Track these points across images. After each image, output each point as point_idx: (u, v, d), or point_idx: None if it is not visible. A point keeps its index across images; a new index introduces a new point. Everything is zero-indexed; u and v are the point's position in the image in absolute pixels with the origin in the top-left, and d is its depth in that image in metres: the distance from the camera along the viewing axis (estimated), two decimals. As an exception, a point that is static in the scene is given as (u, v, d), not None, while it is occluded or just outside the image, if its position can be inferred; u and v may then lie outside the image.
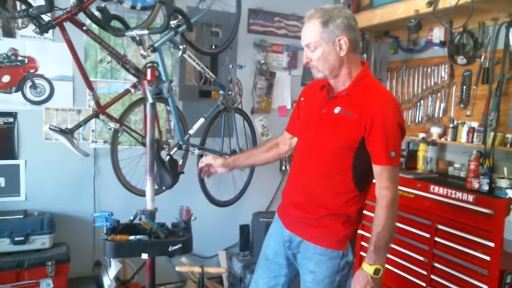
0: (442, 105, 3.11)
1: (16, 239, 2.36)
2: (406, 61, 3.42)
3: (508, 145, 2.55)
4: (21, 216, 2.47)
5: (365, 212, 2.95)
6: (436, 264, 2.51)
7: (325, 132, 1.57)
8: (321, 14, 1.50)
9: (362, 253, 3.07)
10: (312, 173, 1.61)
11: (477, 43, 2.68)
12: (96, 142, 2.82)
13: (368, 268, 1.51)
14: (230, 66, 2.89)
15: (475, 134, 2.72)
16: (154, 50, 2.22)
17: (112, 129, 2.47)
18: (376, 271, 1.50)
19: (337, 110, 1.55)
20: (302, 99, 1.77)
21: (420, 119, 3.32)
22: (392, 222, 1.52)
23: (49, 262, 2.36)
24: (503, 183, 2.28)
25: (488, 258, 2.22)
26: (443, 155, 3.13)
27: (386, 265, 2.82)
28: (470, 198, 2.33)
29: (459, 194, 2.39)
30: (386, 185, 1.51)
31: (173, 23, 2.25)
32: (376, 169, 1.52)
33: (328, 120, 1.57)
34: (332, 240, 1.59)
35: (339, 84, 1.59)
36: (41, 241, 2.43)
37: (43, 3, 1.90)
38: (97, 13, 2.21)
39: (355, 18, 1.57)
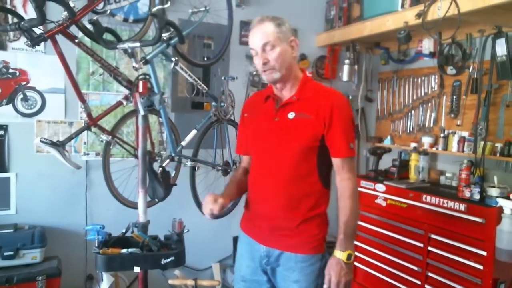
0: (433, 115, 3.15)
1: (6, 253, 2.32)
2: (396, 71, 3.47)
3: (498, 154, 2.58)
4: (11, 230, 2.43)
5: (359, 222, 3.00)
6: (429, 274, 2.51)
7: (283, 139, 1.60)
8: (273, 18, 1.59)
9: (355, 263, 3.07)
10: (280, 182, 1.62)
11: (465, 54, 2.73)
12: (88, 154, 2.80)
13: (340, 254, 1.56)
14: (222, 78, 2.90)
15: (466, 143, 2.76)
16: (146, 62, 2.22)
17: (104, 141, 2.46)
18: (348, 257, 1.56)
19: (291, 115, 1.60)
20: (245, 115, 1.80)
21: (411, 129, 3.35)
22: (356, 210, 1.61)
23: (40, 277, 2.32)
24: (493, 192, 2.31)
25: (481, 267, 2.23)
26: (435, 164, 3.16)
27: (379, 274, 2.85)
28: (462, 207, 2.35)
29: (451, 203, 2.41)
30: (348, 176, 1.59)
31: (165, 35, 2.26)
32: (337, 162, 1.59)
33: (284, 127, 1.61)
34: (311, 245, 1.61)
35: (286, 90, 1.65)
36: (31, 256, 2.40)
37: (35, 16, 1.90)
38: (89, 26, 2.21)
39: None
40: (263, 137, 1.66)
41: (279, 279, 1.66)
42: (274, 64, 1.57)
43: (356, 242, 3.01)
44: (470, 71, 2.76)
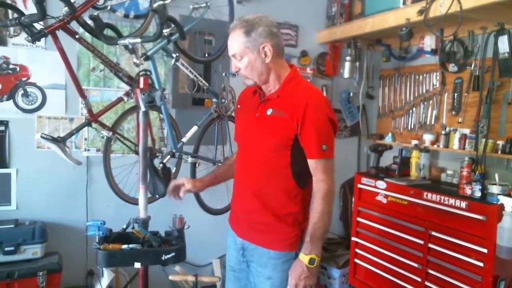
0: (434, 112, 3.14)
1: (6, 249, 2.32)
2: (398, 68, 3.46)
3: (499, 152, 2.57)
4: (12, 226, 2.44)
5: (360, 219, 3.01)
6: (430, 271, 2.51)
7: (261, 134, 1.62)
8: (244, 25, 1.56)
9: (356, 260, 3.07)
10: (255, 176, 1.64)
11: (467, 51, 2.71)
12: (88, 150, 2.80)
13: (304, 257, 1.54)
14: (223, 74, 2.89)
15: (467, 140, 2.75)
16: (147, 58, 2.21)
17: (105, 137, 2.46)
18: (311, 261, 1.53)
19: (269, 111, 1.61)
20: (238, 106, 1.83)
21: (412, 126, 3.35)
22: (327, 214, 1.56)
23: (41, 272, 2.32)
24: (494, 189, 2.30)
25: (481, 264, 2.23)
26: (436, 161, 3.16)
27: (380, 271, 2.85)
28: (463, 204, 2.35)
29: (452, 201, 2.41)
30: (322, 178, 1.56)
31: (166, 31, 2.25)
32: (311, 163, 1.57)
33: (262, 122, 1.62)
34: (284, 242, 1.62)
35: (270, 87, 1.66)
36: (32, 251, 2.40)
37: (35, 11, 1.89)
38: (90, 22, 2.20)
39: (276, 25, 1.64)
40: (246, 131, 1.70)
41: (253, 274, 1.69)
42: (244, 73, 1.60)
43: (356, 239, 3.04)
44: (472, 68, 2.75)
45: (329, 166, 1.57)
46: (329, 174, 1.57)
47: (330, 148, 1.56)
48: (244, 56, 1.57)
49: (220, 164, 1.94)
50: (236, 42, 1.57)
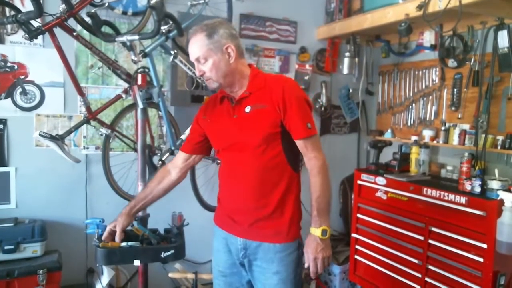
0: (434, 108, 3.13)
1: (6, 247, 2.32)
2: (397, 64, 3.45)
3: (499, 147, 2.57)
4: (12, 224, 2.43)
5: (360, 216, 3.00)
6: (430, 267, 2.51)
7: (247, 131, 1.62)
8: (204, 29, 1.59)
9: (356, 257, 3.07)
10: (251, 174, 1.63)
11: (467, 46, 2.70)
12: (87, 148, 2.80)
13: (315, 231, 1.58)
14: (222, 71, 2.88)
15: (467, 136, 2.75)
16: (145, 55, 2.21)
17: (104, 135, 2.45)
18: (324, 232, 1.57)
19: (248, 109, 1.63)
20: (203, 116, 1.80)
21: (412, 122, 3.34)
22: (327, 186, 1.62)
23: (41, 271, 2.33)
24: (494, 184, 2.29)
25: (481, 260, 2.23)
26: (436, 157, 3.15)
27: (380, 267, 2.85)
28: (463, 200, 2.34)
29: (451, 196, 2.41)
30: (314, 155, 1.61)
31: (164, 28, 2.24)
32: (300, 143, 1.61)
33: (243, 121, 1.63)
34: (288, 232, 1.64)
35: (236, 89, 1.67)
36: (32, 249, 2.40)
37: (32, 8, 1.89)
38: (87, 19, 2.20)
39: (234, 27, 1.70)
40: (226, 135, 1.68)
41: (257, 273, 1.68)
42: (209, 75, 1.61)
43: (356, 235, 3.04)
44: (472, 63, 2.73)
45: (317, 142, 1.64)
46: (319, 149, 1.63)
47: (313, 125, 1.62)
48: (208, 59, 1.59)
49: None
50: (198, 45, 1.59)
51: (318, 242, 1.58)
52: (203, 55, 1.59)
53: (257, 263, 1.67)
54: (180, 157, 1.85)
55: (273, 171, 1.62)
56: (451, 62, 2.79)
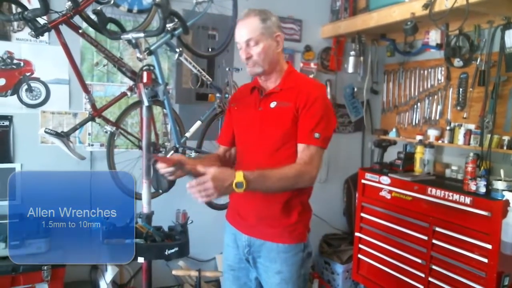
0: (439, 107, 3.12)
1: (12, 243, 2.33)
2: (402, 63, 3.43)
3: (505, 147, 2.55)
4: (17, 220, 2.45)
5: (364, 215, 3.00)
6: (433, 266, 2.51)
7: (267, 127, 1.62)
8: (257, 13, 1.60)
9: (359, 256, 3.07)
10: (261, 169, 1.57)
11: (473, 46, 2.69)
12: (92, 145, 2.81)
13: (238, 175, 1.37)
14: (227, 69, 2.89)
15: (472, 136, 2.73)
16: (150, 53, 2.21)
17: (109, 132, 2.46)
18: (239, 184, 1.36)
19: (273, 104, 1.63)
20: (233, 105, 1.81)
21: (417, 122, 3.33)
22: (285, 182, 1.48)
23: (45, 267, 2.34)
24: (500, 185, 2.28)
25: (485, 260, 2.22)
26: (440, 157, 3.14)
27: (383, 267, 2.85)
28: (467, 200, 2.33)
29: (456, 196, 2.40)
30: (305, 160, 1.51)
31: (169, 26, 2.24)
32: (299, 147, 1.57)
33: (266, 115, 1.63)
34: (292, 234, 1.62)
35: (270, 82, 1.67)
36: (37, 245, 2.41)
37: (38, 6, 1.89)
38: (93, 16, 2.20)
39: None
40: (247, 127, 1.69)
41: (261, 270, 1.68)
42: (257, 59, 1.60)
43: (360, 235, 3.03)
44: (478, 63, 2.72)
45: (316, 155, 1.53)
46: (313, 162, 1.52)
47: (323, 138, 1.55)
48: (259, 42, 1.58)
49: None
50: (251, 28, 1.58)
51: (226, 184, 1.37)
52: (255, 38, 1.57)
53: (260, 260, 1.67)
54: (221, 149, 1.86)
55: None
56: (457, 62, 2.78)
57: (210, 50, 3.01)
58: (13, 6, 2.45)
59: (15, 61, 2.57)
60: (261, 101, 1.66)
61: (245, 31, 1.59)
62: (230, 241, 1.79)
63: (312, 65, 3.47)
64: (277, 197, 1.61)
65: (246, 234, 1.70)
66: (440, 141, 3.00)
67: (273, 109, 1.62)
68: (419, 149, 2.99)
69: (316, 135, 1.54)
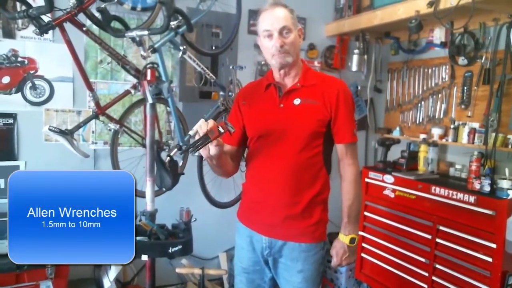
0: (443, 106, 3.10)
1: (16, 240, 2.34)
2: (406, 62, 3.42)
3: (510, 146, 2.54)
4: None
5: (367, 214, 2.99)
6: (437, 266, 2.50)
7: (290, 124, 1.58)
8: (284, 5, 1.61)
9: (363, 255, 3.07)
10: (286, 168, 1.58)
11: (478, 44, 2.67)
12: (96, 143, 2.81)
13: (344, 238, 1.63)
14: (231, 67, 2.88)
15: (476, 135, 2.72)
16: (154, 50, 2.21)
17: (112, 130, 2.46)
18: (352, 240, 1.62)
19: (297, 101, 1.61)
20: (243, 102, 1.72)
21: (421, 120, 3.31)
22: (359, 194, 1.68)
23: (49, 264, 2.35)
24: (504, 184, 2.27)
25: (490, 260, 2.21)
26: (444, 156, 3.13)
27: (386, 266, 2.84)
28: (472, 199, 2.32)
29: (460, 195, 2.39)
30: (352, 162, 1.64)
31: (173, 23, 2.24)
32: (341, 148, 1.63)
33: (290, 112, 1.60)
34: (314, 234, 1.62)
35: (288, 78, 1.65)
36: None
37: (43, 3, 1.89)
38: (97, 14, 2.20)
39: None
40: (268, 123, 1.62)
41: (281, 270, 1.66)
42: (289, 48, 1.58)
43: (363, 234, 3.03)
44: (483, 61, 2.70)
45: (356, 150, 1.66)
46: (356, 158, 1.66)
47: (356, 133, 1.65)
48: (292, 31, 1.58)
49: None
50: (285, 15, 1.57)
51: (345, 249, 1.62)
52: (289, 26, 1.57)
53: (282, 260, 1.65)
54: (226, 147, 1.74)
55: (310, 170, 1.60)
56: (462, 60, 2.76)
57: (214, 48, 3.00)
58: (18, 4, 2.46)
59: (19, 59, 2.58)
60: (282, 98, 1.62)
61: (280, 18, 1.56)
62: (245, 243, 1.72)
63: (316, 63, 3.46)
64: (301, 197, 1.59)
65: (266, 235, 1.64)
66: (444, 140, 2.99)
67: (297, 107, 1.59)
68: (423, 147, 2.98)
69: (354, 131, 1.63)
